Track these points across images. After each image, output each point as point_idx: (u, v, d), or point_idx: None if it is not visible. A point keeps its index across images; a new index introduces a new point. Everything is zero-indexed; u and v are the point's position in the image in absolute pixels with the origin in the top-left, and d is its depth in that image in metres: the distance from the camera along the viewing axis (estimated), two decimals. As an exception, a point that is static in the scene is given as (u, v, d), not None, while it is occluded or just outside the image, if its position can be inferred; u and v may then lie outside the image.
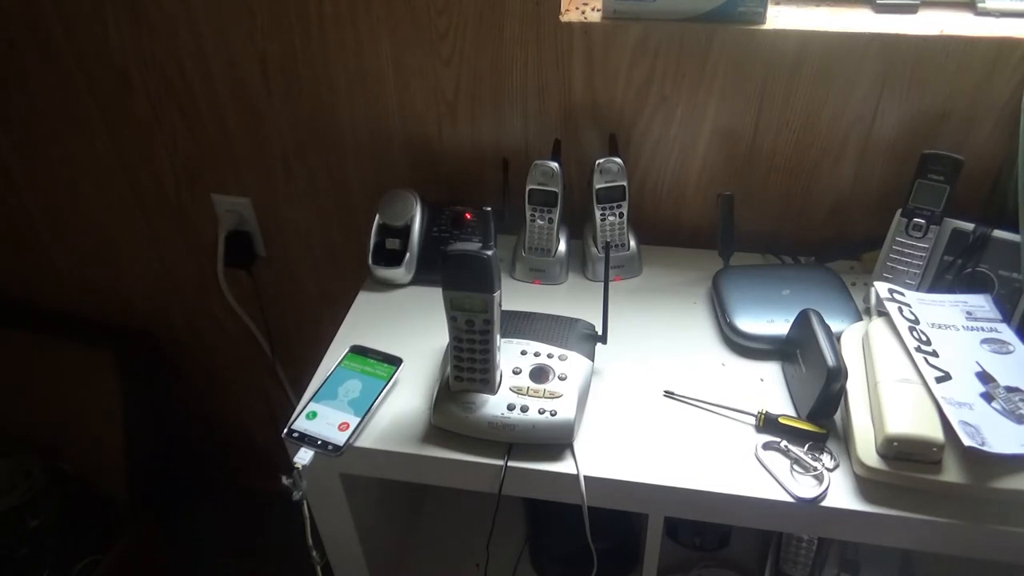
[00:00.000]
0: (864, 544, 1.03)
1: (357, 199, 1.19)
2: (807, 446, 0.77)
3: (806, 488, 0.74)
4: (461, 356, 0.77)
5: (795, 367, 0.83)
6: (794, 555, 1.02)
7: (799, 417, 0.80)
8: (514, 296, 1.00)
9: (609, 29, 0.95)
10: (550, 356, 0.82)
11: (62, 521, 1.40)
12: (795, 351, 0.83)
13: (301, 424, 0.81)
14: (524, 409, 0.77)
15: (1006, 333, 0.83)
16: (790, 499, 0.73)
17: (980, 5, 0.93)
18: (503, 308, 0.76)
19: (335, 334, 0.95)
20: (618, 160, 0.96)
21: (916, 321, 0.84)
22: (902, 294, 0.88)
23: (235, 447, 1.68)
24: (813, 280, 0.96)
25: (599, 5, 0.97)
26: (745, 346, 0.90)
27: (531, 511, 1.17)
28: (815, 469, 0.75)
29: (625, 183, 0.97)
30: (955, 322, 0.84)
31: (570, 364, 0.81)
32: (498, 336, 0.76)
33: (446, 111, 1.06)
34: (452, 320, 0.75)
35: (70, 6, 1.08)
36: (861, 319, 0.90)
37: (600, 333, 0.87)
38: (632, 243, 1.02)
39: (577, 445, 0.78)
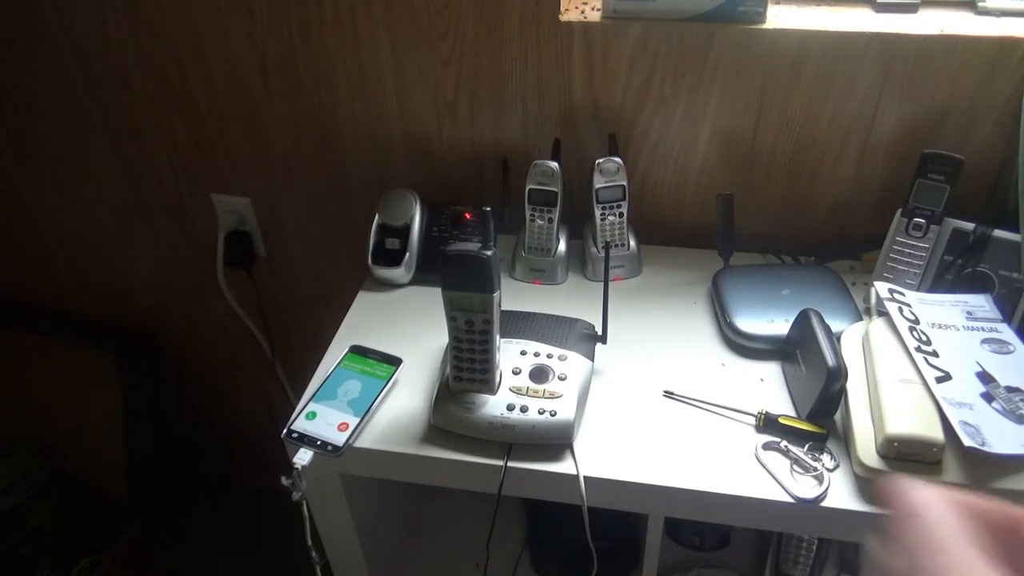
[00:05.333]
0: (864, 544, 1.03)
1: (357, 199, 1.19)
2: (807, 446, 0.77)
3: (806, 488, 0.74)
4: (461, 356, 0.77)
5: (795, 367, 0.83)
6: (794, 555, 1.02)
7: (799, 417, 0.80)
8: (514, 296, 1.00)
9: (609, 29, 0.94)
10: (550, 356, 0.82)
11: (62, 521, 1.40)
12: (795, 351, 0.83)
13: (301, 424, 0.81)
14: (524, 409, 0.77)
15: (1006, 333, 0.83)
16: (790, 499, 0.73)
17: (980, 4, 0.93)
18: (503, 308, 0.76)
19: (335, 334, 0.95)
20: (618, 160, 0.96)
21: (916, 321, 0.84)
22: (902, 294, 0.88)
23: (235, 447, 1.68)
24: (813, 280, 0.96)
25: (599, 4, 0.96)
26: (745, 346, 0.90)
27: (531, 511, 1.16)
28: (815, 469, 0.75)
29: (625, 183, 0.97)
30: (955, 322, 0.84)
31: (570, 364, 0.81)
32: (498, 336, 0.76)
33: (446, 111, 1.06)
34: (452, 320, 0.75)
35: (70, 6, 1.08)
36: (861, 319, 0.90)
37: (600, 333, 0.86)
38: (632, 243, 1.02)
39: (577, 445, 0.78)
